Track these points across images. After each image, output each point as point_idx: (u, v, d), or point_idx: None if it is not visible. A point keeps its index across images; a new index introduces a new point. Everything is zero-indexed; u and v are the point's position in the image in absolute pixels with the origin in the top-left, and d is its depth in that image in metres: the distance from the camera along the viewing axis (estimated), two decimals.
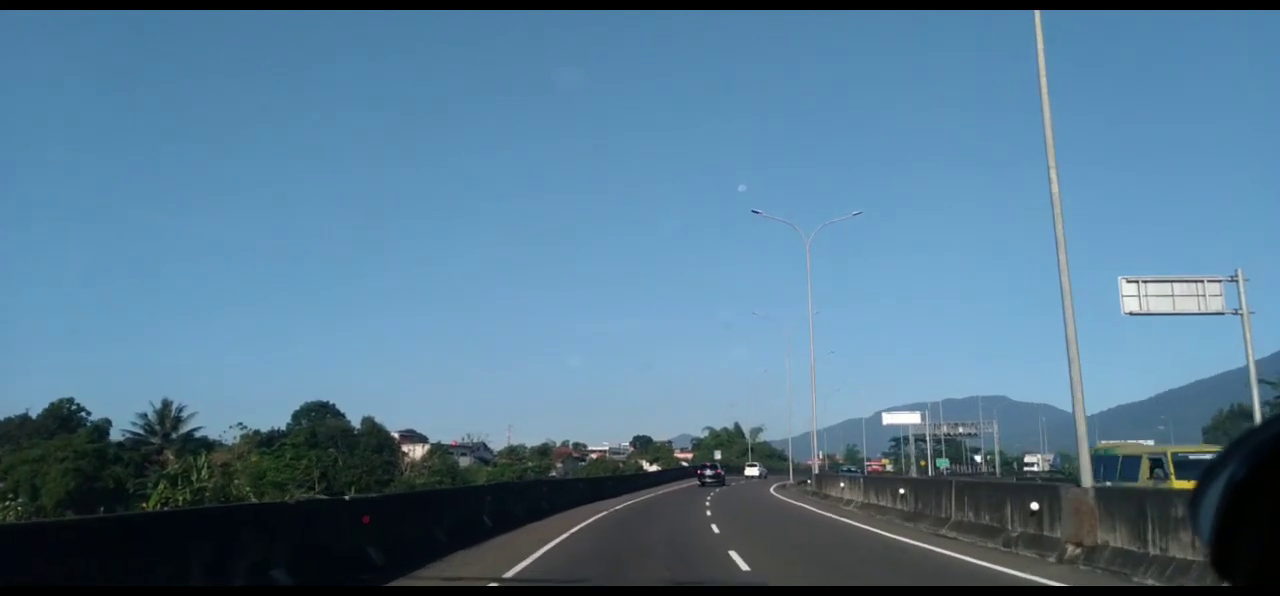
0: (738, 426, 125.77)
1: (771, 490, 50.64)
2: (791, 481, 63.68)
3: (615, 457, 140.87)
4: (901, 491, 22.98)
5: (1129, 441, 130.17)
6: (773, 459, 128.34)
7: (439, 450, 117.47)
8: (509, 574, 12.80)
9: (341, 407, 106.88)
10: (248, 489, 45.84)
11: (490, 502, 21.98)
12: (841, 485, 31.19)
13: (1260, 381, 25.68)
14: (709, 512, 26.38)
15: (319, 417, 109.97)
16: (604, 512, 27.90)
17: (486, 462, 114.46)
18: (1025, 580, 11.92)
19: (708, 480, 60.15)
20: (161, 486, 37.39)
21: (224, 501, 34.09)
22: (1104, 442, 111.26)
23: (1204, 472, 0.99)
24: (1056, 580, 11.75)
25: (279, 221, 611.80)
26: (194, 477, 36.95)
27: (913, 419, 74.21)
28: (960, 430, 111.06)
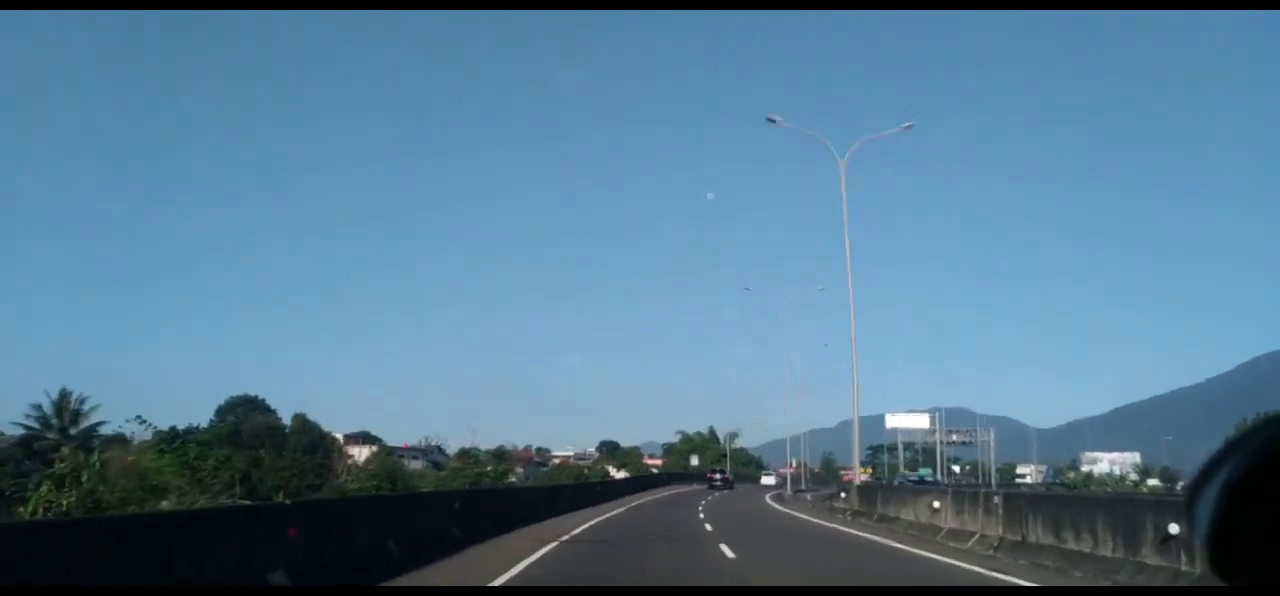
0: (712, 431, 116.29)
1: (780, 505, 41.00)
2: (789, 492, 54.19)
3: (580, 463, 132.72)
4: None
5: (1101, 454, 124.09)
6: (749, 466, 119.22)
7: (386, 452, 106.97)
8: None
9: (275, 404, 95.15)
10: (111, 496, 35.56)
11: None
12: (934, 504, 19.61)
13: None
14: (730, 553, 16.41)
15: (246, 413, 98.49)
16: (560, 539, 18.03)
17: (440, 467, 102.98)
18: None
19: (717, 484, 61.85)
20: (45, 487, 29.26)
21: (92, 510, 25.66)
22: (1088, 454, 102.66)
23: (1201, 473, 0.99)
24: None
25: (246, 220, 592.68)
26: (84, 478, 28.72)
27: (919, 423, 65.05)
28: (954, 438, 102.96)
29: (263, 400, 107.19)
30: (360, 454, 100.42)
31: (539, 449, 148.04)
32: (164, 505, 25.32)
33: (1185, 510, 1.04)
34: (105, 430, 61.08)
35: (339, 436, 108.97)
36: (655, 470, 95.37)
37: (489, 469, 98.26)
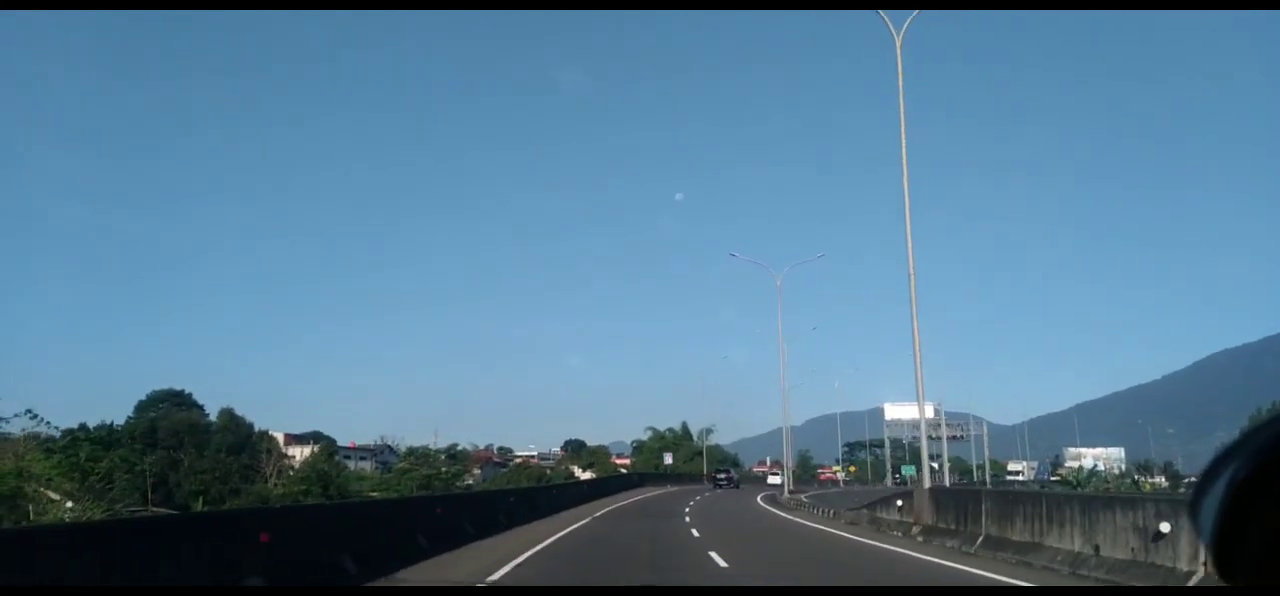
0: (685, 427, 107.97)
1: (792, 515, 32.69)
2: (786, 494, 45.89)
3: (544, 463, 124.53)
4: None
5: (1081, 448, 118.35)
6: (725, 463, 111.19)
7: (329, 452, 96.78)
8: None
9: (202, 398, 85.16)
10: None
11: None
12: (1161, 526, 10.20)
13: None
14: None
15: (167, 410, 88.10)
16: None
17: (389, 468, 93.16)
18: None
19: (722, 483, 64.87)
20: None
21: None
22: (1072, 450, 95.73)
23: (1206, 472, 0.98)
24: None
25: (219, 223, 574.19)
26: None
27: (909, 412, 57.25)
28: (946, 433, 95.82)
29: (189, 395, 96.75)
30: (299, 454, 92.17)
31: (501, 449, 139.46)
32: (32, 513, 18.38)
33: (1190, 510, 1.02)
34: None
35: (279, 435, 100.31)
36: (624, 470, 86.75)
37: (443, 470, 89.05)
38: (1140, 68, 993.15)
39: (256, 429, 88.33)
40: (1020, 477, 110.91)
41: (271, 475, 76.36)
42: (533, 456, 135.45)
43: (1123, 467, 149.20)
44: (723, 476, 68.15)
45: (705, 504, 37.86)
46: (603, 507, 35.00)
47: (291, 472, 73.31)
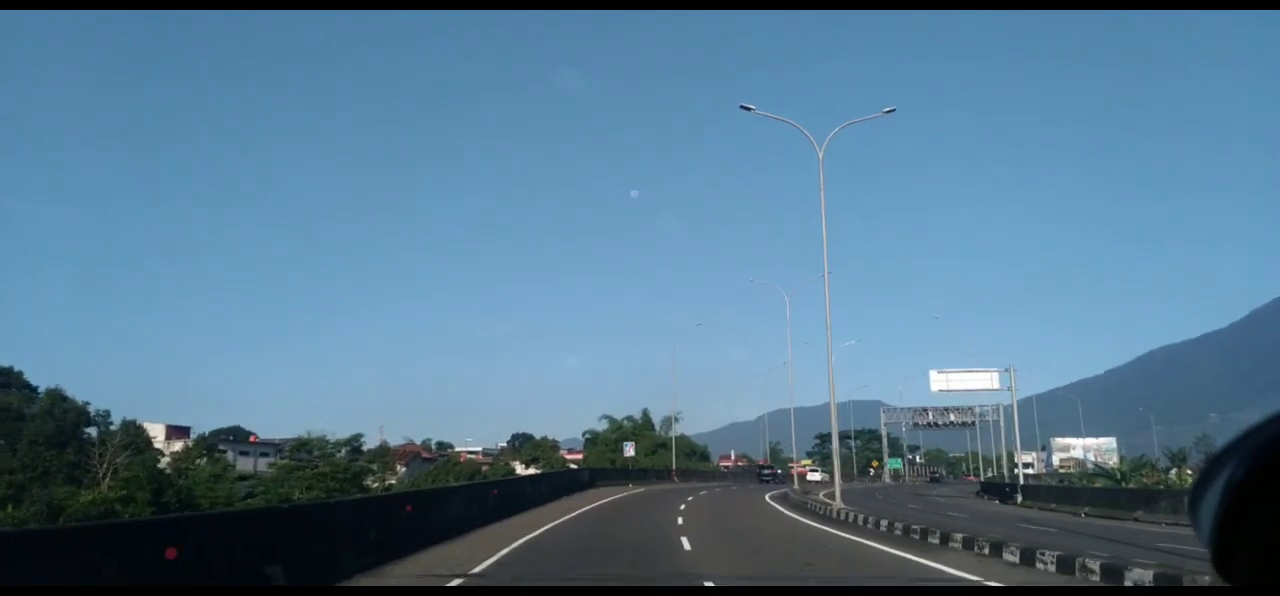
0: (646, 415, 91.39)
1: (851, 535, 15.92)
2: (796, 490, 30.10)
3: (487, 458, 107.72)
4: None
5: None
6: (693, 457, 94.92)
7: (208, 446, 78.91)
8: None
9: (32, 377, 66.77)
10: None
11: None
12: None
13: None
14: None
15: None
16: None
17: (302, 465, 73.94)
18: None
19: (766, 478, 68.33)
20: None
21: None
22: (1060, 441, 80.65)
23: (1204, 471, 0.97)
24: None
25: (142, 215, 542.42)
26: None
27: (986, 381, 41.71)
28: (954, 419, 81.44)
29: (20, 372, 77.34)
30: (170, 447, 75.16)
31: (440, 444, 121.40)
32: None
33: (1188, 509, 1.00)
34: None
35: (158, 428, 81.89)
36: (574, 466, 69.70)
37: (350, 466, 71.27)
38: (1098, 65, 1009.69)
39: (120, 419, 69.65)
40: (1031, 470, 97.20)
41: (104, 475, 58.48)
42: (476, 452, 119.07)
43: (1116, 458, 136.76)
44: (768, 472, 72.55)
45: (714, 516, 21.63)
46: (543, 522, 19.12)
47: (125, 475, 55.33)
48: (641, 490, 45.49)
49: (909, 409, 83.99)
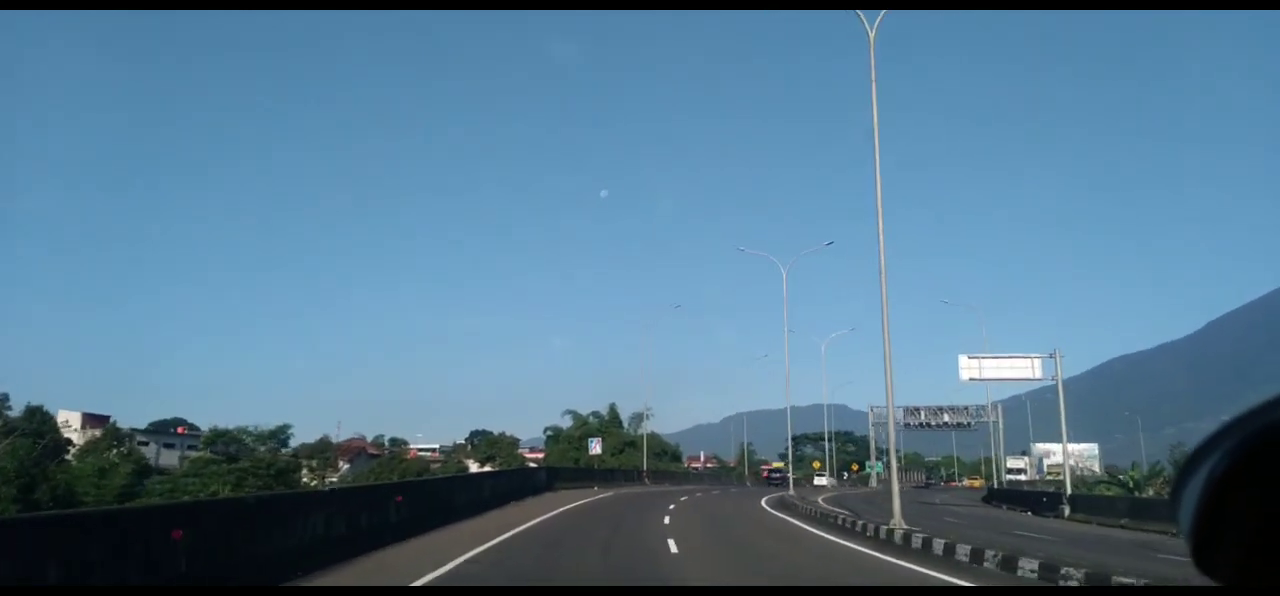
0: (614, 411, 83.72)
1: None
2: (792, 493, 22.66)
3: (444, 455, 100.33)
4: None
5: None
6: (664, 457, 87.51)
7: (117, 435, 70.44)
8: None
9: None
10: None
11: None
12: None
13: None
14: None
15: None
16: None
17: (235, 458, 65.88)
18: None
19: (776, 480, 67.47)
20: None
21: None
22: (1041, 447, 75.45)
23: (1185, 465, 0.96)
24: None
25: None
26: None
27: (1025, 368, 34.91)
28: (948, 420, 75.31)
29: None
30: (81, 438, 66.75)
31: (393, 440, 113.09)
32: None
33: (1172, 498, 0.98)
34: None
35: (73, 415, 73.86)
36: (534, 464, 61.87)
37: (268, 460, 63.09)
38: (1055, 66, 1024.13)
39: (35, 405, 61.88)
40: (1022, 477, 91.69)
41: None
42: (432, 449, 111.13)
43: (1098, 464, 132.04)
44: (777, 476, 70.46)
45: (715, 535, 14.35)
46: (468, 548, 11.84)
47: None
48: (609, 494, 37.99)
49: (899, 408, 77.51)
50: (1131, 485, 55.38)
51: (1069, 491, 35.49)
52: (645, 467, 63.44)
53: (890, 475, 19.30)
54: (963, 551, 12.89)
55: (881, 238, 18.79)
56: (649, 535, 17.57)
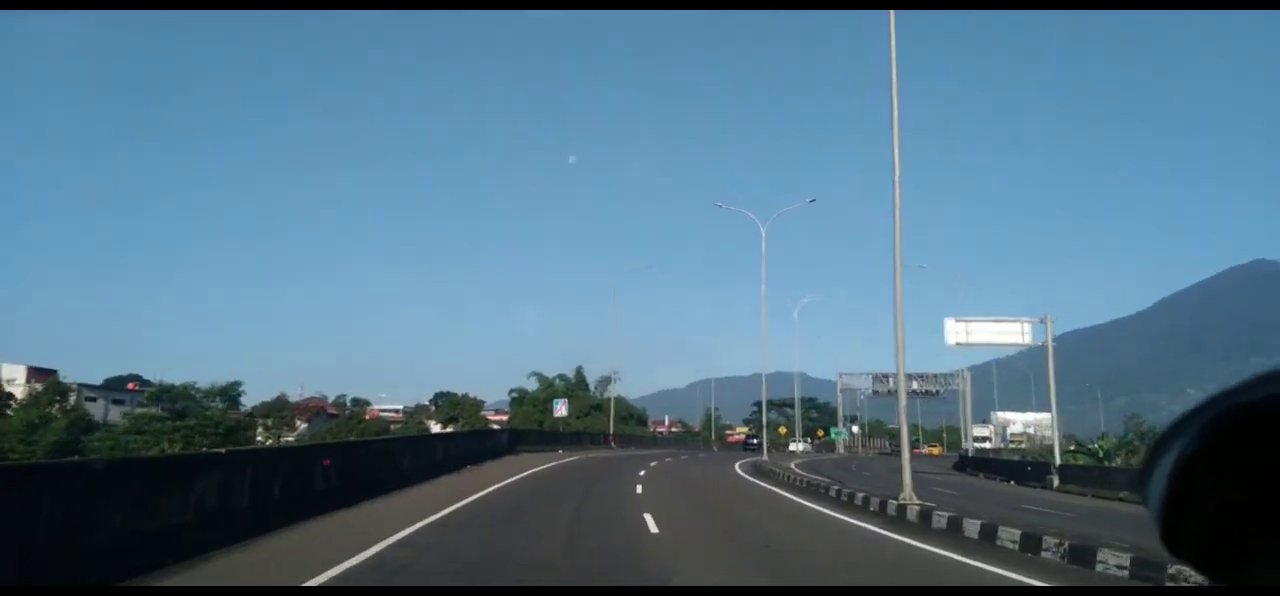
0: (581, 374, 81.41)
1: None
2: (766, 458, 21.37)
3: (406, 416, 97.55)
4: None
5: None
6: (630, 421, 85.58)
7: (55, 389, 66.82)
8: None
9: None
10: None
11: None
12: None
13: None
14: None
15: None
16: None
17: (182, 414, 62.66)
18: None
19: (753, 446, 65.52)
20: None
21: None
22: (1001, 415, 75.08)
23: (1155, 446, 0.96)
24: None
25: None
26: None
27: (1014, 332, 33.28)
28: (915, 388, 74.30)
29: None
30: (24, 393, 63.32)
31: (355, 400, 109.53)
32: None
33: (1139, 483, 0.99)
34: None
35: (18, 369, 70.46)
36: (496, 426, 59.39)
37: (216, 418, 60.07)
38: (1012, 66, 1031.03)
39: None
40: (988, 444, 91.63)
41: None
42: (395, 410, 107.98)
43: (1137, 435, 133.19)
44: (755, 441, 68.15)
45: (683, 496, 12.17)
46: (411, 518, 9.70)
47: None
48: (574, 457, 35.76)
49: (869, 375, 76.34)
50: (1102, 455, 54.77)
51: (1058, 461, 34.03)
52: (612, 431, 61.35)
53: (902, 444, 17.15)
54: (1008, 536, 10.73)
55: (897, 200, 16.53)
56: (622, 507, 15.31)
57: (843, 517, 14.58)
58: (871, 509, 15.37)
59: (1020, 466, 38.23)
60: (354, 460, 15.79)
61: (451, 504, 14.64)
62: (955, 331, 33.75)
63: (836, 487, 19.39)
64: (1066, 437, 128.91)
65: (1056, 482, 31.08)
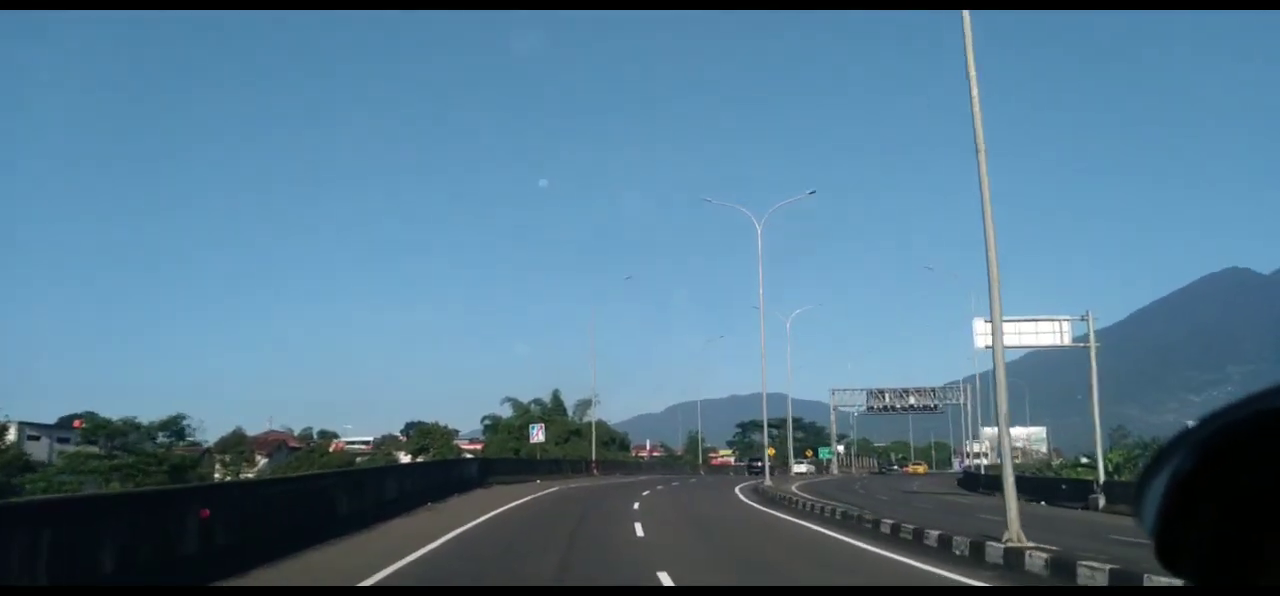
0: (558, 397, 77.23)
1: None
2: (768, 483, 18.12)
3: (377, 449, 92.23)
4: None
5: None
6: (611, 448, 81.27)
7: None
8: None
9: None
10: None
11: None
12: None
13: None
14: None
15: None
16: None
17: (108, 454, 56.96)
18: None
19: (757, 470, 59.86)
20: None
21: None
22: (989, 431, 71.94)
23: (1150, 463, 0.97)
24: None
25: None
26: None
27: (1050, 333, 29.80)
28: (913, 402, 71.06)
29: None
30: None
31: (322, 432, 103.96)
32: None
33: (1134, 500, 0.99)
34: None
35: None
36: (470, 455, 54.89)
37: (158, 455, 55.15)
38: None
39: None
40: (983, 462, 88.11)
41: None
42: (366, 441, 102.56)
43: (1045, 447, 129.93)
44: (759, 464, 62.66)
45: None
46: None
47: None
48: (554, 488, 31.58)
49: (862, 390, 72.86)
50: (1111, 469, 51.67)
51: (1103, 477, 30.46)
52: (594, 458, 57.13)
53: (1004, 466, 13.38)
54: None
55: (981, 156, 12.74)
56: (622, 554, 11.30)
57: (931, 568, 10.64)
58: (958, 552, 11.51)
59: (1052, 484, 34.64)
60: (252, 507, 11.61)
61: (386, 566, 10.53)
62: (985, 333, 30.04)
63: (883, 521, 15.49)
64: (1053, 451, 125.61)
65: (1102, 502, 27.47)
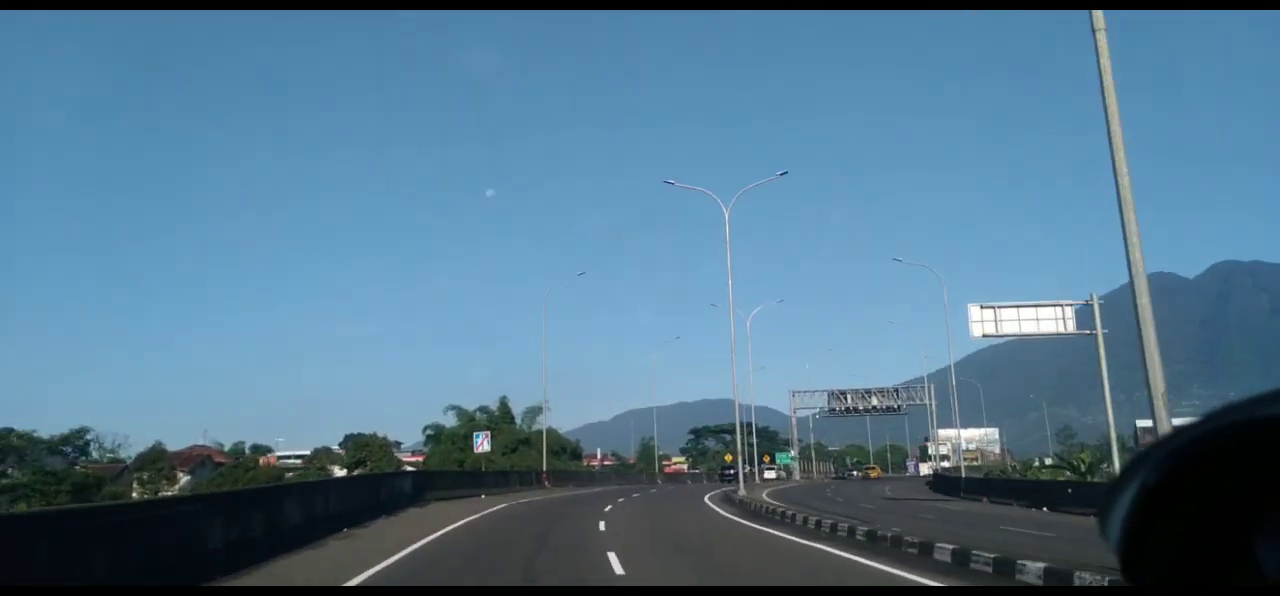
0: (505, 405, 72.88)
1: None
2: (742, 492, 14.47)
3: (310, 464, 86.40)
4: None
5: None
6: (563, 455, 77.14)
7: None
8: None
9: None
10: None
11: None
12: None
13: None
14: None
15: None
16: None
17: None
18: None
19: (729, 476, 60.51)
20: None
21: None
22: (943, 433, 70.33)
23: (1119, 476, 0.98)
24: None
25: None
26: None
27: (1051, 320, 27.11)
28: (876, 404, 68.71)
29: None
30: None
31: (256, 446, 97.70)
32: None
33: (1101, 512, 1.00)
34: None
35: None
36: (411, 468, 50.36)
37: (57, 472, 49.64)
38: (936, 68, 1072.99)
39: None
40: (945, 464, 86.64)
41: None
42: (303, 455, 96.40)
43: (999, 448, 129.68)
44: (732, 471, 61.63)
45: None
46: None
47: None
48: (501, 505, 27.60)
49: (823, 392, 70.27)
50: (1083, 469, 49.88)
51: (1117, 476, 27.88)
52: (545, 468, 53.07)
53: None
54: None
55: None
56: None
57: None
58: (1034, 578, 8.16)
59: (1048, 488, 32.04)
60: (77, 541, 7.56)
61: None
62: (981, 320, 27.28)
63: (937, 544, 12.07)
64: (1006, 452, 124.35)
65: None
